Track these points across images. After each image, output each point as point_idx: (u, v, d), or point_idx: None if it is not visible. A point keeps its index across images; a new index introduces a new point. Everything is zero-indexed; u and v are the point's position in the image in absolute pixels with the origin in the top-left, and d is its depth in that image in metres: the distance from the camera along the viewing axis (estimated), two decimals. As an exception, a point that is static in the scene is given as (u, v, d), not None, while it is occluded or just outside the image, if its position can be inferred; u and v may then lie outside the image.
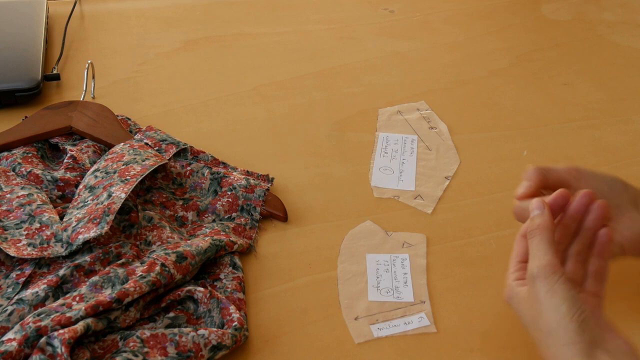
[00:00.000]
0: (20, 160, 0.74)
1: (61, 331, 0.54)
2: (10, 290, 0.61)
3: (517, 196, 0.63)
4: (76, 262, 0.63)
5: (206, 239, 0.66)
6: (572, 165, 0.64)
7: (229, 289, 0.64)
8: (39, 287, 0.60)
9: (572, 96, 0.96)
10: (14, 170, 0.73)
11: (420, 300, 0.66)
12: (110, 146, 0.77)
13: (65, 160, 0.75)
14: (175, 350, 0.56)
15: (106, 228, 0.63)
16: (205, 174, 0.75)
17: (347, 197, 0.77)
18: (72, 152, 0.75)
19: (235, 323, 0.59)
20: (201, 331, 0.57)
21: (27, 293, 0.60)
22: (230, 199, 0.73)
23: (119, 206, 0.65)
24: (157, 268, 0.61)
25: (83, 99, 0.88)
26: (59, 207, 0.69)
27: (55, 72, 0.92)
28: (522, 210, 0.61)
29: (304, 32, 1.07)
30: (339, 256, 0.70)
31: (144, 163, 0.71)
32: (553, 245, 0.54)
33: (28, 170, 0.72)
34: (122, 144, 0.75)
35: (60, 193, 0.72)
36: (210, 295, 0.61)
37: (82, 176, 0.73)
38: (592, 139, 0.89)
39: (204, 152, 0.78)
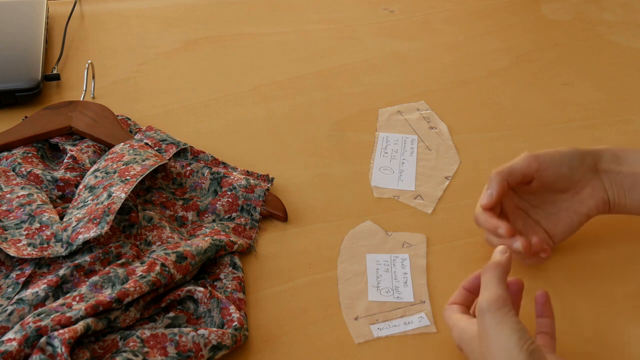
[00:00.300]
0: (20, 160, 0.74)
1: (61, 331, 0.54)
2: (10, 290, 0.61)
3: (481, 205, 0.66)
4: (76, 262, 0.63)
5: (206, 239, 0.66)
6: (530, 156, 0.67)
7: (229, 289, 0.64)
8: (39, 287, 0.60)
9: (572, 96, 0.96)
10: (14, 170, 0.73)
11: (420, 300, 0.66)
12: (110, 146, 0.77)
13: (65, 160, 0.75)
14: (175, 350, 0.56)
15: (106, 228, 0.63)
16: (205, 174, 0.75)
17: (347, 197, 0.77)
18: (72, 152, 0.75)
19: (235, 323, 0.59)
20: (201, 331, 0.57)
21: (27, 293, 0.60)
22: (230, 199, 0.73)
23: (119, 206, 0.65)
24: (157, 268, 0.61)
25: (83, 99, 0.88)
26: (59, 207, 0.69)
27: (55, 72, 0.92)
28: (479, 222, 0.67)
29: (304, 32, 1.07)
30: (339, 256, 0.70)
31: (144, 163, 0.71)
32: (504, 282, 0.54)
33: (28, 170, 0.72)
34: (122, 144, 0.75)
35: (60, 193, 0.72)
36: (210, 295, 0.61)
37: (82, 176, 0.73)
38: (592, 139, 0.89)
39: (204, 152, 0.78)
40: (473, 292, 0.60)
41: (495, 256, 0.57)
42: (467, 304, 0.60)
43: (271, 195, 0.74)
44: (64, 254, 0.64)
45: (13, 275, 0.63)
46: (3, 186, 0.70)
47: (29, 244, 0.64)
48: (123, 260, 0.63)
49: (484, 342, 0.52)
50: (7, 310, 0.58)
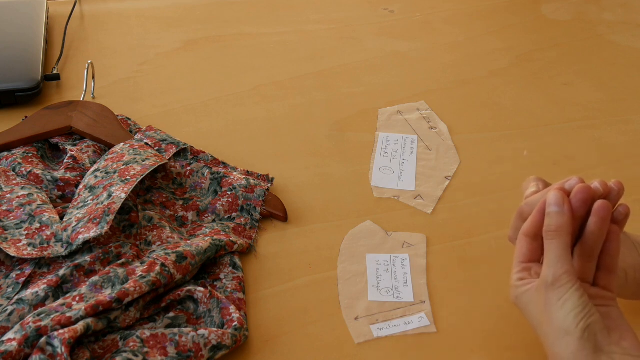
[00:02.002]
0: (20, 160, 0.74)
1: (61, 331, 0.54)
2: (10, 290, 0.61)
3: (526, 196, 0.59)
4: (76, 262, 0.63)
5: (206, 239, 0.66)
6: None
7: (229, 289, 0.64)
8: (39, 287, 0.60)
9: (572, 96, 0.96)
10: (14, 170, 0.73)
11: (420, 300, 0.66)
12: (110, 146, 0.77)
13: (65, 160, 0.75)
14: (175, 350, 0.56)
15: (106, 228, 0.63)
16: (205, 174, 0.75)
17: (347, 197, 0.77)
18: (72, 152, 0.75)
19: (235, 323, 0.59)
20: (201, 331, 0.57)
21: (27, 293, 0.60)
22: (230, 199, 0.73)
23: (119, 206, 0.65)
24: (157, 268, 0.61)
25: (83, 99, 0.88)
26: (59, 207, 0.69)
27: (55, 72, 0.92)
28: (529, 207, 0.57)
29: (304, 32, 1.07)
30: (339, 256, 0.70)
31: (144, 163, 0.71)
32: (570, 251, 0.52)
33: (28, 170, 0.72)
34: (122, 144, 0.75)
35: (60, 193, 0.72)
36: (210, 295, 0.61)
37: (82, 176, 0.73)
38: (592, 139, 0.89)
39: (204, 152, 0.78)
40: (536, 237, 0.55)
41: (552, 217, 0.52)
42: (533, 258, 0.56)
43: (271, 195, 0.74)
44: (64, 254, 0.64)
45: (13, 275, 0.63)
46: (3, 186, 0.70)
47: (29, 244, 0.64)
48: (123, 260, 0.63)
49: (546, 313, 0.52)
50: (7, 310, 0.58)
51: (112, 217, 0.64)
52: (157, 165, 0.71)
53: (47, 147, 0.79)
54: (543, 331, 0.53)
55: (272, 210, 0.73)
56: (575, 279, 0.51)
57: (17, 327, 0.56)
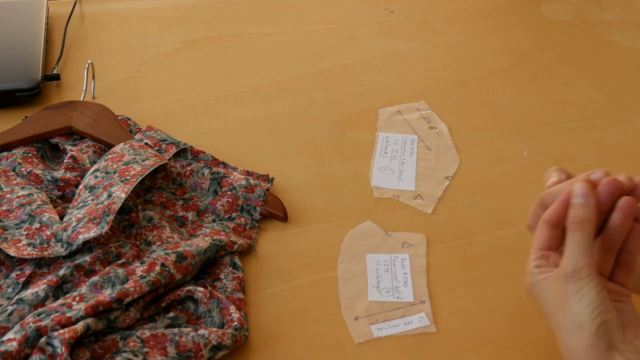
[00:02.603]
0: (20, 160, 0.74)
1: (61, 331, 0.54)
2: (10, 290, 0.61)
3: (548, 185, 0.59)
4: (76, 262, 0.63)
5: (206, 239, 0.66)
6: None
7: (229, 289, 0.64)
8: (39, 287, 0.60)
9: (572, 96, 0.96)
10: (14, 170, 0.73)
11: (420, 300, 0.66)
12: (110, 146, 0.77)
13: (65, 160, 0.75)
14: (175, 350, 0.56)
15: (106, 228, 0.63)
16: (205, 174, 0.75)
17: (347, 197, 0.77)
18: (72, 152, 0.75)
19: (235, 323, 0.59)
20: (201, 331, 0.57)
21: (27, 293, 0.60)
22: (230, 199, 0.73)
23: (119, 206, 0.65)
24: (157, 268, 0.61)
25: (83, 99, 0.88)
26: (59, 207, 0.69)
27: (55, 72, 0.92)
28: (554, 196, 0.56)
29: (304, 32, 1.07)
30: (339, 256, 0.70)
31: (144, 163, 0.71)
32: (591, 245, 0.52)
33: (28, 170, 0.72)
34: (122, 144, 0.75)
35: (60, 193, 0.72)
36: (210, 295, 0.61)
37: (82, 176, 0.73)
38: (592, 139, 0.89)
39: (204, 152, 0.78)
40: (556, 226, 0.55)
41: (577, 208, 0.52)
42: (552, 246, 0.55)
43: (271, 195, 0.74)
44: (64, 254, 0.64)
45: (13, 275, 0.63)
46: (3, 186, 0.70)
47: (29, 244, 0.64)
48: (123, 260, 0.63)
49: (561, 305, 0.51)
50: (7, 310, 0.58)
51: (112, 217, 0.64)
52: (157, 165, 0.71)
53: (47, 147, 0.79)
54: (556, 321, 0.52)
55: (272, 210, 0.73)
56: (595, 273, 0.51)
57: (17, 327, 0.56)
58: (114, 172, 0.70)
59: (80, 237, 0.63)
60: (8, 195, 0.69)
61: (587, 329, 0.50)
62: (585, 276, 0.51)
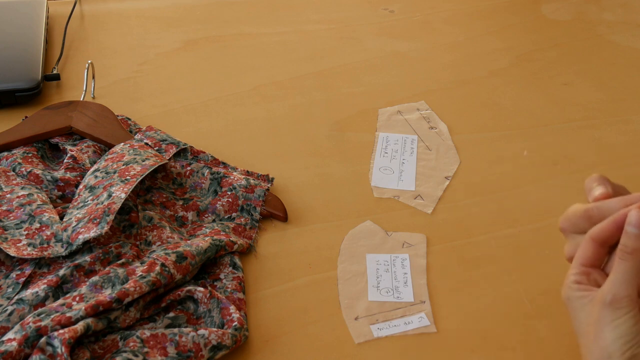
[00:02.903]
0: (20, 160, 0.74)
1: (61, 331, 0.54)
2: (10, 290, 0.61)
3: (595, 198, 0.55)
4: (76, 262, 0.63)
5: (206, 239, 0.66)
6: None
7: (229, 289, 0.64)
8: (39, 287, 0.60)
9: (572, 96, 0.96)
10: (14, 170, 0.73)
11: (420, 300, 0.66)
12: (110, 146, 0.77)
13: (65, 160, 0.75)
14: (175, 350, 0.56)
15: (106, 228, 0.63)
16: (205, 174, 0.75)
17: (347, 197, 0.77)
18: (72, 152, 0.75)
19: (235, 323, 0.59)
20: (201, 331, 0.57)
21: (27, 293, 0.60)
22: (230, 199, 0.73)
23: (119, 206, 0.65)
24: (157, 268, 0.61)
25: (83, 99, 0.88)
26: (59, 207, 0.69)
27: (55, 72, 0.92)
28: (604, 211, 0.54)
29: (304, 32, 1.07)
30: (339, 256, 0.70)
31: (144, 163, 0.71)
32: (638, 277, 0.51)
33: (28, 170, 0.72)
34: (122, 144, 0.75)
35: (60, 193, 0.72)
36: (210, 295, 0.61)
37: (82, 176, 0.73)
38: (592, 139, 0.89)
39: (204, 152, 0.78)
40: (603, 244, 0.53)
41: (631, 238, 0.50)
42: (595, 263, 0.54)
43: (271, 195, 0.74)
44: (64, 254, 0.64)
45: (13, 275, 0.63)
46: (3, 186, 0.70)
47: (29, 244, 0.64)
48: (123, 260, 0.63)
49: (594, 330, 0.51)
50: (7, 310, 0.58)
51: (112, 217, 0.64)
52: (157, 165, 0.71)
53: (47, 147, 0.79)
54: (586, 343, 0.52)
55: (272, 210, 0.73)
56: (635, 306, 0.50)
57: (17, 327, 0.56)
58: (114, 172, 0.70)
59: (80, 237, 0.63)
60: (8, 195, 0.69)
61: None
62: (624, 306, 0.50)
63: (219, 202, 0.72)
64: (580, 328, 0.53)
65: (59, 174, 0.72)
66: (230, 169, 0.77)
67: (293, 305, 0.65)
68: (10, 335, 0.55)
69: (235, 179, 0.74)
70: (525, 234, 0.74)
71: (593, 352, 0.51)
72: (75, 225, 0.65)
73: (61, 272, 0.62)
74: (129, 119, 0.84)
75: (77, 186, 0.72)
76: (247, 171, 0.77)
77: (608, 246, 0.54)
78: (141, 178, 0.69)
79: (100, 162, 0.73)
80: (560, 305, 0.62)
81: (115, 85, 0.92)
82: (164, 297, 0.62)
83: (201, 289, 0.61)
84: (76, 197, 0.69)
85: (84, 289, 0.60)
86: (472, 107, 0.93)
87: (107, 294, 0.58)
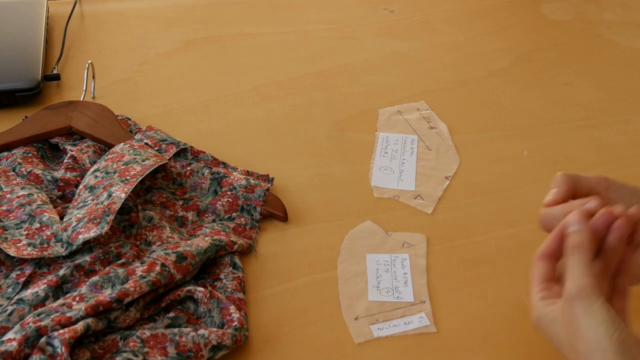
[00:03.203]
0: (20, 160, 0.74)
1: (61, 331, 0.54)
2: (10, 290, 0.61)
3: (545, 203, 0.60)
4: (76, 262, 0.63)
5: (206, 239, 0.66)
6: (601, 176, 0.61)
7: (229, 289, 0.64)
8: (39, 287, 0.60)
9: (572, 96, 0.96)
10: (14, 170, 0.73)
11: (420, 300, 0.66)
12: (110, 146, 0.77)
13: (65, 160, 0.75)
14: (175, 350, 0.56)
15: (106, 228, 0.63)
16: (205, 174, 0.75)
17: (347, 197, 0.77)
18: (72, 152, 0.75)
19: (235, 323, 0.59)
20: (201, 331, 0.57)
21: (27, 293, 0.60)
22: (230, 199, 0.73)
23: (119, 206, 0.65)
24: (157, 268, 0.61)
25: (83, 99, 0.88)
26: (59, 207, 0.69)
27: (55, 72, 0.92)
28: (549, 218, 0.58)
29: (304, 32, 1.07)
30: (339, 256, 0.70)
31: (144, 163, 0.71)
32: (591, 266, 0.53)
33: (28, 170, 0.72)
34: (122, 144, 0.75)
35: (60, 193, 0.72)
36: (210, 295, 0.61)
37: (82, 176, 0.73)
38: (592, 139, 0.89)
39: (204, 152, 0.78)
40: (553, 258, 0.56)
41: (573, 235, 0.53)
42: (552, 277, 0.56)
43: (271, 195, 0.74)
44: (64, 254, 0.64)
45: (13, 275, 0.63)
46: (3, 186, 0.70)
47: (29, 244, 0.64)
48: (123, 260, 0.63)
49: (572, 329, 0.51)
50: (7, 310, 0.58)
51: (112, 217, 0.64)
52: (157, 165, 0.71)
53: (47, 147, 0.79)
54: (572, 348, 0.51)
55: (272, 210, 0.73)
56: (599, 292, 0.51)
57: (17, 327, 0.56)
58: (114, 172, 0.70)
59: (80, 237, 0.63)
60: (8, 195, 0.69)
61: (607, 348, 0.49)
62: (592, 294, 0.51)
63: (219, 202, 0.72)
64: (560, 339, 0.53)
65: (59, 174, 0.72)
66: (230, 169, 0.77)
67: (293, 305, 0.65)
68: (10, 335, 0.55)
69: (236, 179, 0.74)
70: (525, 234, 0.74)
71: (580, 351, 0.51)
72: (75, 225, 0.65)
73: (61, 272, 0.62)
74: (129, 119, 0.84)
75: (77, 186, 0.72)
76: (247, 171, 0.78)
77: (557, 258, 0.56)
78: (141, 178, 0.69)
79: (100, 162, 0.73)
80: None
81: (115, 85, 0.92)
82: (164, 297, 0.62)
83: (201, 289, 0.61)
84: (76, 197, 0.69)
85: (84, 289, 0.60)
86: (472, 107, 0.93)
87: (107, 294, 0.58)
